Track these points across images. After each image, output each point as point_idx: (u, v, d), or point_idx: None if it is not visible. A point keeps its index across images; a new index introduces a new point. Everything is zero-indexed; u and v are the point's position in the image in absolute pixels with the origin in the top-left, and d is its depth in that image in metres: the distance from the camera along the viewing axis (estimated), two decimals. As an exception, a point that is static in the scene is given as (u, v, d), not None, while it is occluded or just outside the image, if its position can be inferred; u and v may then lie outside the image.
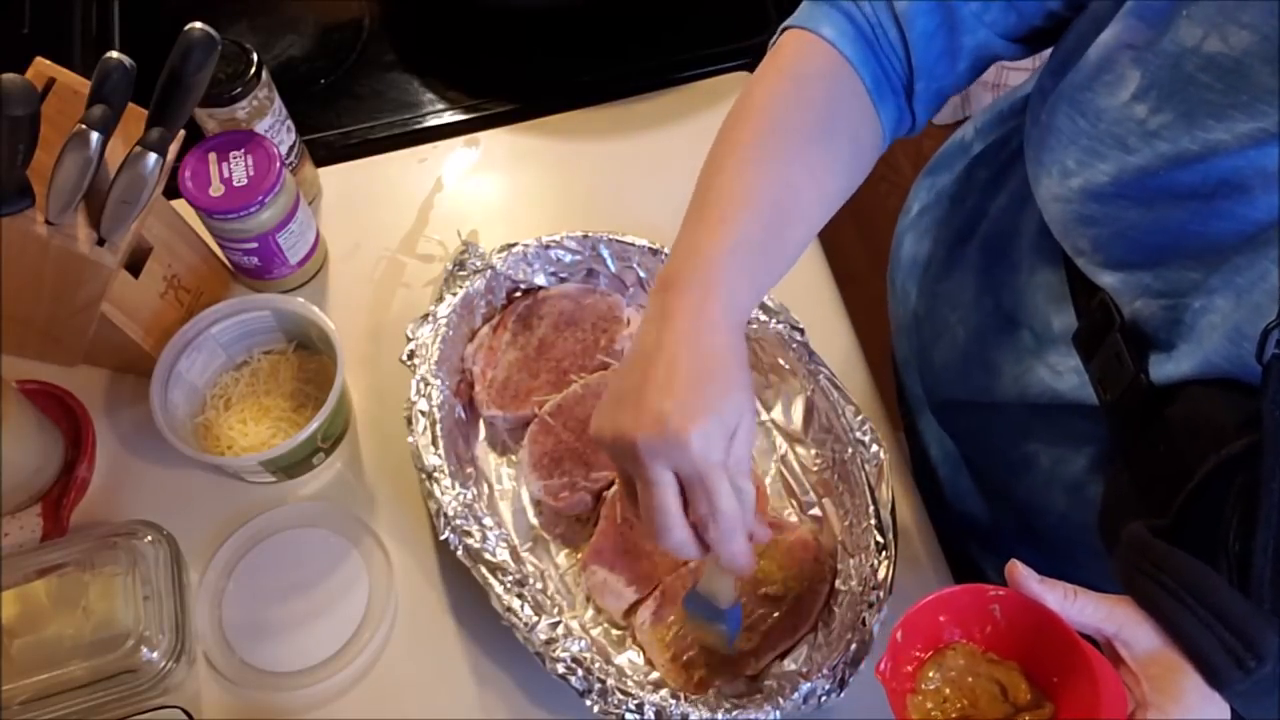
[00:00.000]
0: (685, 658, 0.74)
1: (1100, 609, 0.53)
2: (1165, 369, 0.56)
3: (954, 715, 0.55)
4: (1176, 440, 0.55)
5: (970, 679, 0.56)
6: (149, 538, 0.77)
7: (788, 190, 0.63)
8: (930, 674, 0.56)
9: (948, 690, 0.56)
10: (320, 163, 0.99)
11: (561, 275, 0.88)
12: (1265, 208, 0.51)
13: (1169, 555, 0.53)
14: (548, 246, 0.86)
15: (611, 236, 0.87)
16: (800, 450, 0.83)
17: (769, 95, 0.66)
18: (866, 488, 0.76)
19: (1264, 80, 0.49)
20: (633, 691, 0.69)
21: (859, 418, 0.79)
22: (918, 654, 0.56)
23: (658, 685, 0.72)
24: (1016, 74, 2.01)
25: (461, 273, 0.85)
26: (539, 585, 0.76)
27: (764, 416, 0.85)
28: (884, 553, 0.73)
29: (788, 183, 0.63)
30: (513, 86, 1.05)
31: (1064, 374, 0.66)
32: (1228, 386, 0.53)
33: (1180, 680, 0.52)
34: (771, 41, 0.69)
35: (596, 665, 0.70)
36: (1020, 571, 0.54)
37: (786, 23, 0.68)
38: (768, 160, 0.63)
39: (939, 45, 0.64)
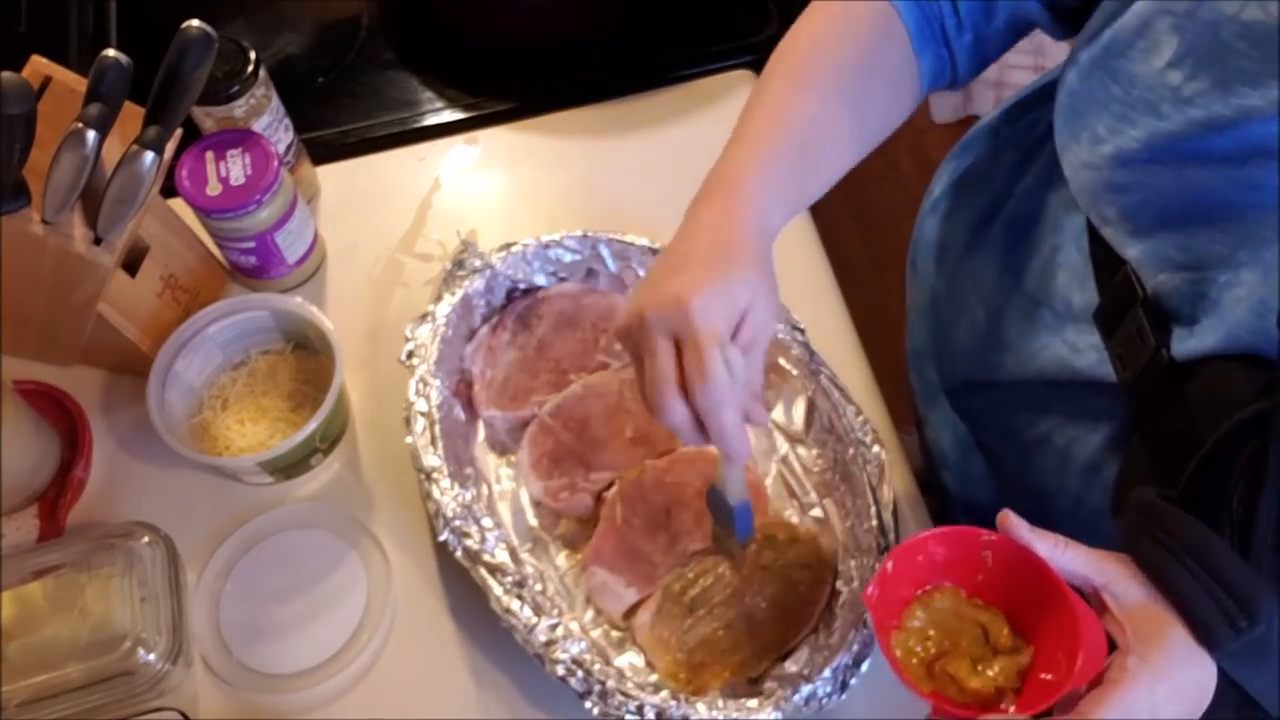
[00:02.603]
0: (686, 659, 0.73)
1: (1090, 561, 0.54)
2: (1188, 344, 0.56)
3: (934, 652, 0.57)
4: (1193, 414, 0.56)
5: (954, 621, 0.57)
6: (146, 539, 0.77)
7: (824, 115, 0.65)
8: (916, 613, 0.58)
9: (931, 630, 0.57)
10: (318, 161, 0.99)
11: (561, 275, 0.88)
12: None
13: (1171, 516, 0.53)
14: (547, 246, 0.86)
15: (611, 236, 0.86)
16: (801, 451, 0.83)
17: (812, 33, 0.68)
18: (868, 488, 0.76)
19: None
20: (633, 693, 0.68)
21: (860, 418, 0.79)
22: (907, 594, 0.58)
23: (658, 687, 0.72)
24: (1020, 72, 2.01)
25: (460, 272, 0.84)
26: (538, 586, 0.75)
27: (765, 417, 0.85)
28: (885, 554, 0.73)
29: (824, 109, 0.66)
30: (512, 85, 1.04)
31: (1083, 351, 0.67)
32: (1248, 361, 0.53)
33: (1166, 632, 0.52)
34: None
35: (596, 667, 0.69)
36: (1012, 519, 0.55)
37: None
38: (806, 88, 0.66)
39: (978, 4, 0.67)
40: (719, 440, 0.59)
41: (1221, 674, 0.53)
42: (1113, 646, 0.54)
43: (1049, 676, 0.54)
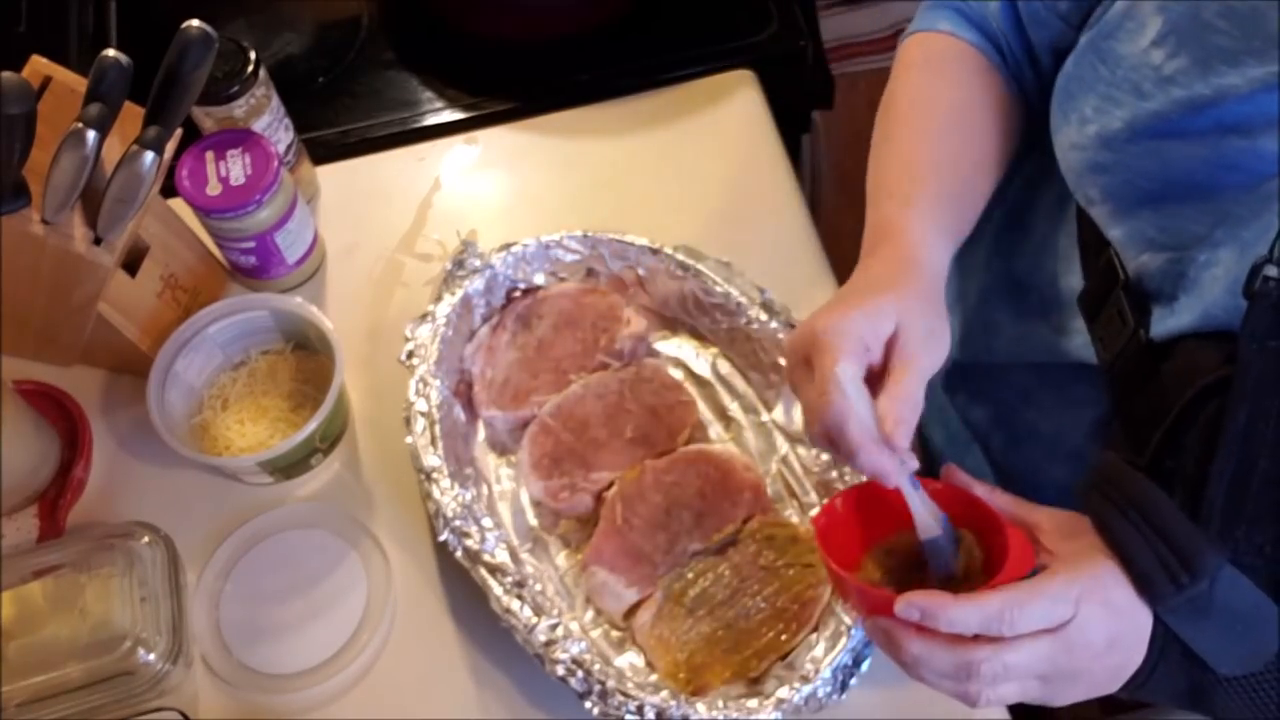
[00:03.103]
0: (686, 659, 0.73)
1: (1022, 508, 0.58)
2: (1166, 324, 0.57)
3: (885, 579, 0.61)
4: (1165, 391, 0.57)
5: (916, 555, 0.61)
6: (146, 539, 0.77)
7: (953, 153, 0.67)
8: (877, 555, 0.62)
9: (891, 562, 0.62)
10: (318, 161, 0.99)
11: (561, 275, 0.88)
12: (1269, 156, 0.52)
13: (1119, 471, 0.55)
14: (547, 246, 0.86)
15: (612, 236, 0.86)
16: (801, 451, 0.83)
17: (912, 86, 0.71)
18: (868, 488, 0.76)
19: (1275, 26, 0.50)
20: (633, 693, 0.68)
21: (860, 418, 0.79)
22: (865, 538, 0.62)
23: (658, 687, 0.72)
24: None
25: (460, 272, 0.84)
26: (538, 586, 0.75)
27: (765, 417, 0.85)
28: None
29: (951, 148, 0.67)
30: (512, 85, 1.04)
31: (1067, 335, 0.68)
32: (1220, 337, 0.54)
33: (1097, 557, 0.54)
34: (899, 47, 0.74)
35: (596, 667, 0.69)
36: (953, 467, 0.60)
37: (906, 31, 0.74)
38: (927, 132, 0.68)
39: (1023, 40, 0.69)
40: (853, 462, 0.55)
41: (1166, 630, 0.54)
42: None
43: None
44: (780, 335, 0.82)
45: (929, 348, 0.58)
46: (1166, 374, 0.57)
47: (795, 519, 0.80)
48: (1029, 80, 0.71)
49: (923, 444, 0.95)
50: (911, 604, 0.52)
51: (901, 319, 0.57)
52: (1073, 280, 0.68)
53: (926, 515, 0.58)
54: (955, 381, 0.86)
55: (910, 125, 0.68)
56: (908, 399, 0.55)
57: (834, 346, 0.55)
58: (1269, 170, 0.52)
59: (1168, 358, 0.57)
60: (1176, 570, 0.52)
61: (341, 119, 1.02)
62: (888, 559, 0.62)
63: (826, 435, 0.56)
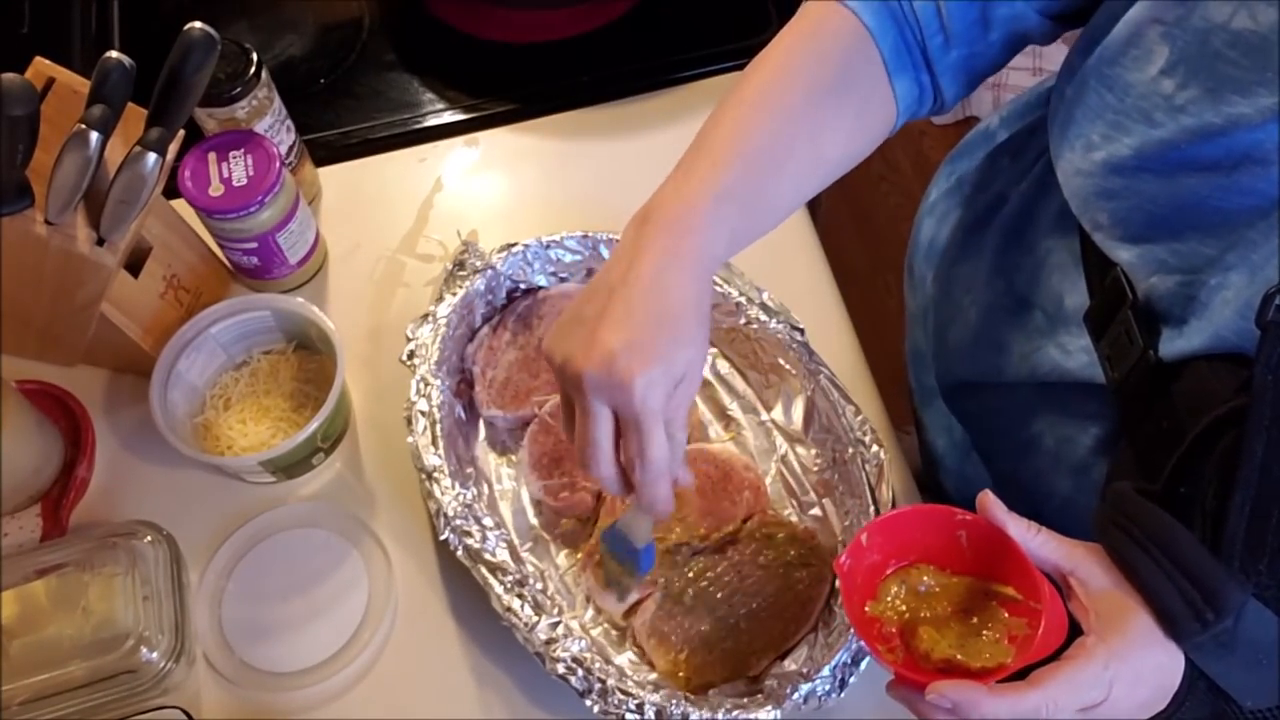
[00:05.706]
0: (685, 658, 0.74)
1: (1060, 548, 0.56)
2: (1176, 345, 0.57)
3: (907, 618, 0.60)
4: (1177, 413, 0.56)
5: (931, 591, 0.60)
6: (148, 538, 0.77)
7: (783, 147, 0.64)
8: (892, 586, 0.61)
9: (903, 593, 0.60)
10: (320, 162, 0.99)
11: (561, 275, 0.88)
12: None
13: (1138, 506, 0.55)
14: (548, 246, 0.86)
15: (611, 236, 0.87)
16: (800, 450, 0.83)
17: (782, 54, 0.66)
18: (867, 488, 0.76)
19: None
20: (633, 691, 0.69)
21: (859, 418, 0.79)
22: (883, 568, 0.61)
23: (658, 685, 0.72)
24: (1019, 74, 2.01)
25: (461, 273, 0.85)
26: (539, 585, 0.76)
27: (764, 416, 0.85)
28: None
29: (784, 140, 0.64)
30: (512, 86, 1.05)
31: (1073, 353, 0.67)
32: (1232, 361, 0.54)
33: (1128, 617, 0.53)
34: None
35: (596, 665, 0.70)
36: (990, 499, 0.57)
37: None
38: (768, 115, 0.64)
39: (973, 13, 0.65)
40: (649, 506, 0.62)
41: (1192, 666, 0.54)
42: (1079, 631, 0.55)
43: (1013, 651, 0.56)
44: (780, 335, 0.83)
45: (698, 384, 0.62)
46: (1178, 396, 0.56)
47: (794, 518, 0.81)
48: (949, 65, 0.66)
49: (925, 449, 0.95)
50: (944, 694, 0.52)
51: (690, 364, 0.60)
52: (1076, 298, 0.67)
53: (649, 531, 0.67)
54: (957, 395, 0.86)
55: (759, 96, 0.65)
56: (685, 436, 0.62)
57: (654, 409, 0.58)
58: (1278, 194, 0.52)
59: (1178, 379, 0.57)
60: (1201, 608, 0.51)
61: (343, 120, 1.03)
62: (900, 589, 0.61)
63: (619, 467, 0.62)
